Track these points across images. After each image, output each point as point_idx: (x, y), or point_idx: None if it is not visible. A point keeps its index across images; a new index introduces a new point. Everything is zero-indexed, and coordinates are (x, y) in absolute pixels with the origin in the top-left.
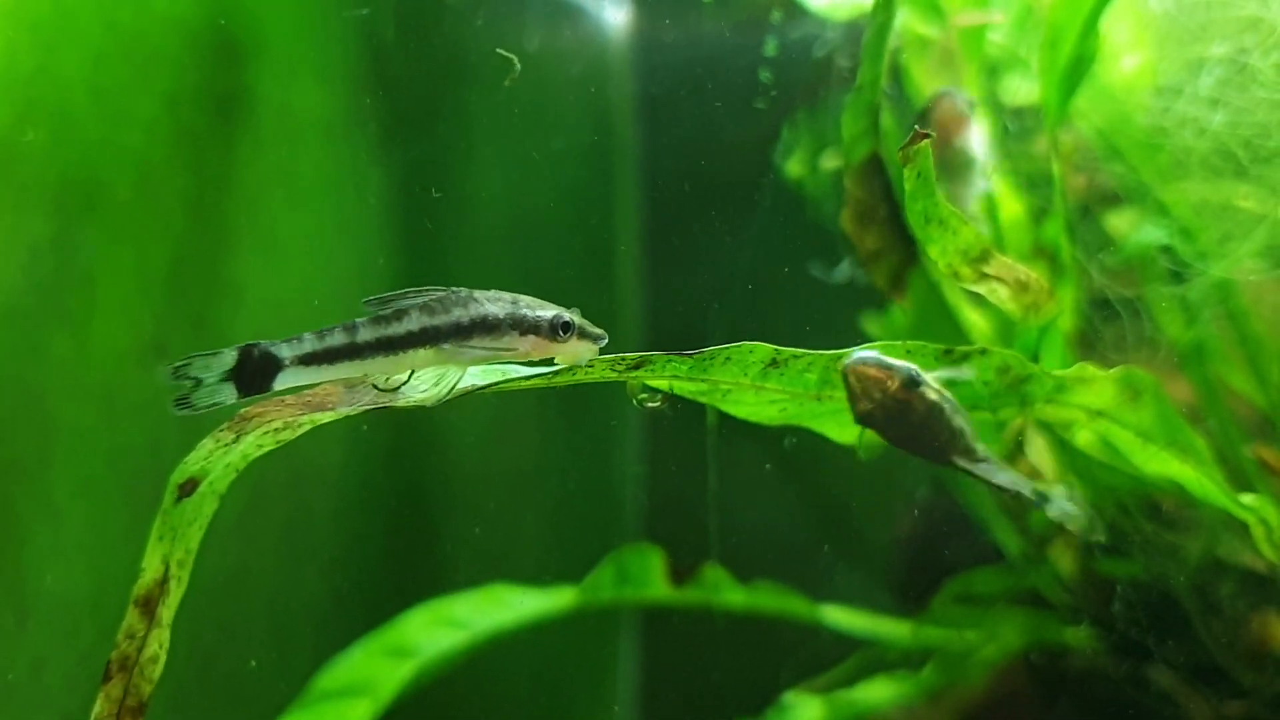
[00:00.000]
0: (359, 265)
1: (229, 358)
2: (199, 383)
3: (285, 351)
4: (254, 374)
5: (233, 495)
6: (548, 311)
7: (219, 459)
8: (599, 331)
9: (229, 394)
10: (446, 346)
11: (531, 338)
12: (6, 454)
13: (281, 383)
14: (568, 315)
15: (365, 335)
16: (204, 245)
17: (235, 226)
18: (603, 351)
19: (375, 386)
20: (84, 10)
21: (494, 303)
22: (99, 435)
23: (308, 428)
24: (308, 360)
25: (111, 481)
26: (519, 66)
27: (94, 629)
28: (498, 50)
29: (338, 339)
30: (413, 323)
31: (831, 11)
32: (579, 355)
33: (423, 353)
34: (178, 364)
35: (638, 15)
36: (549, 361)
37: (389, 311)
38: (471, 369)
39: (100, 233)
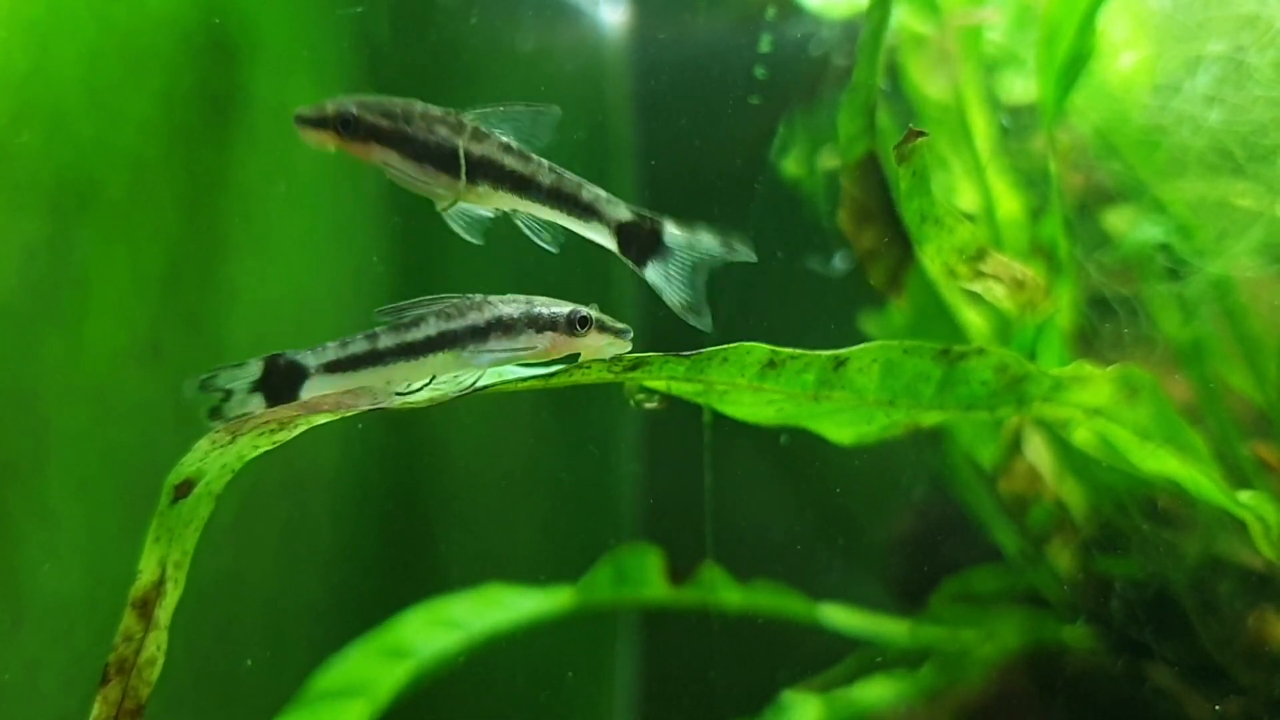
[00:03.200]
0: (354, 265)
1: (254, 368)
2: (229, 394)
3: (311, 360)
4: (281, 383)
5: (229, 497)
6: (564, 308)
7: (215, 460)
8: (621, 326)
9: (258, 404)
10: (466, 350)
11: (550, 334)
12: (0, 456)
13: (308, 391)
14: (585, 310)
15: (386, 342)
16: (199, 245)
17: (230, 227)
18: None
19: (398, 394)
20: (78, 9)
21: (509, 304)
22: (94, 436)
23: (303, 428)
24: (332, 368)
25: (106, 483)
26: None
27: (89, 631)
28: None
29: (360, 346)
30: (430, 328)
31: (827, 9)
32: (602, 349)
33: (442, 357)
34: (205, 377)
35: (634, 12)
36: (574, 358)
37: (406, 319)
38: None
39: (95, 233)
